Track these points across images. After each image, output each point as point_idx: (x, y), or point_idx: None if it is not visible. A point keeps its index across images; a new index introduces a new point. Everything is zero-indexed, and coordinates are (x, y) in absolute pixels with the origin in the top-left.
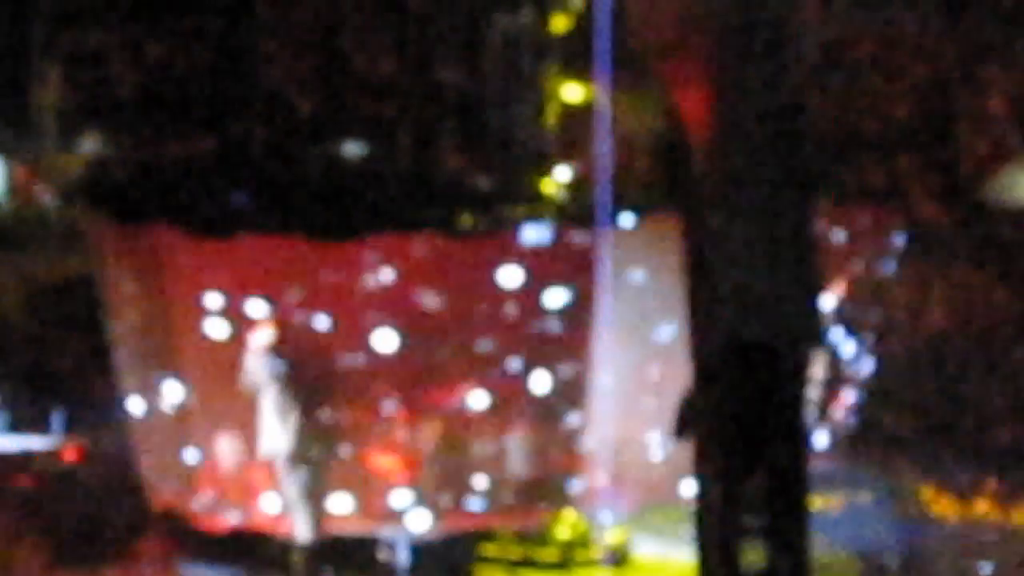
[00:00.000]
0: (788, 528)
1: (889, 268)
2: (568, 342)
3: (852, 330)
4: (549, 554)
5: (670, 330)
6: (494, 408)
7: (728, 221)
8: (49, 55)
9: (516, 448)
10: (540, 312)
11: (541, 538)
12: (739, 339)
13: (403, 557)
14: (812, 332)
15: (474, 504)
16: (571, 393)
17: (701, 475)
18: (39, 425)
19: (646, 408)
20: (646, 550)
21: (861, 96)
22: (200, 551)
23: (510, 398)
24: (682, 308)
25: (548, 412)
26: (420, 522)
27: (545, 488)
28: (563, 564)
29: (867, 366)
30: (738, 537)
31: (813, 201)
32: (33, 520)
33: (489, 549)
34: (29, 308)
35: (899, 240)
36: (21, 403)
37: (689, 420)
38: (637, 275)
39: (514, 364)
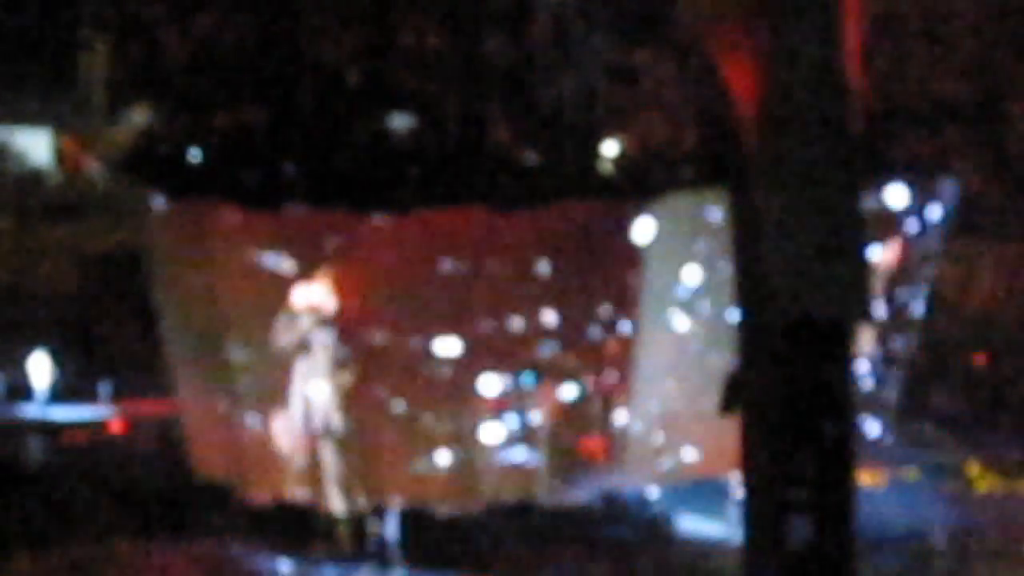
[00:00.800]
0: (835, 503)
1: (937, 243)
2: (617, 315)
3: (900, 306)
4: None
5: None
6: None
7: (776, 197)
8: (98, 28)
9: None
10: (587, 287)
11: None
12: (787, 315)
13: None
14: (860, 308)
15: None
16: (617, 367)
17: (749, 450)
18: (87, 395)
19: (690, 382)
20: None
21: (909, 70)
22: (244, 523)
23: (551, 368)
24: (730, 285)
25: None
26: None
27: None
28: None
29: (914, 341)
30: (785, 512)
31: (862, 175)
32: (80, 489)
33: None
34: (78, 279)
35: (947, 214)
36: (69, 373)
37: (737, 395)
38: (682, 249)
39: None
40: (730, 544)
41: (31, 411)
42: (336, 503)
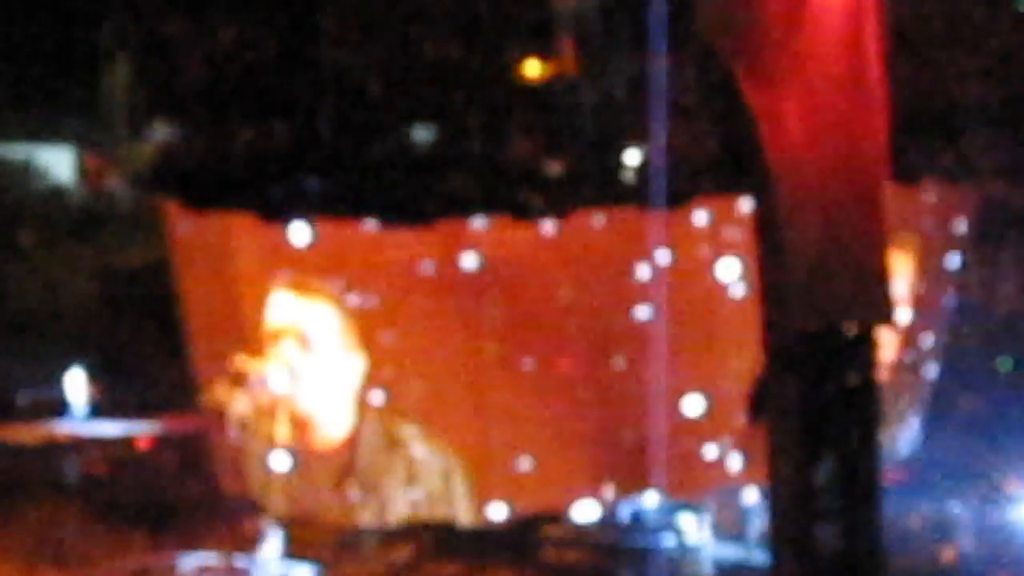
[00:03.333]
0: (861, 511)
1: (961, 249)
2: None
3: (925, 311)
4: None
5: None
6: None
7: (799, 206)
8: (119, 45)
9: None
10: (617, 292)
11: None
12: (811, 324)
13: None
14: (884, 315)
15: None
16: (638, 370)
17: (775, 458)
18: (112, 411)
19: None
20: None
21: (930, 76)
22: (267, 536)
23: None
24: (755, 294)
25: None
26: None
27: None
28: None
29: (940, 347)
30: (812, 520)
31: (885, 183)
32: (106, 502)
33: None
34: (102, 294)
35: (970, 219)
36: (95, 389)
37: (763, 404)
38: (702, 256)
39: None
40: None
41: (67, 427)
42: (363, 516)
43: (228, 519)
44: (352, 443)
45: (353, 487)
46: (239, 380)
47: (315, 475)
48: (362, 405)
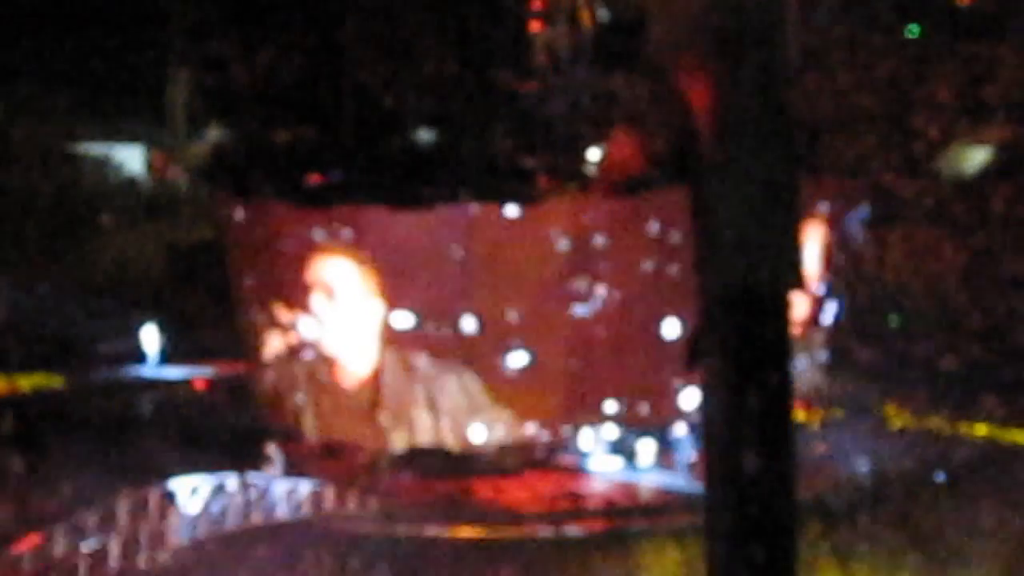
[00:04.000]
0: (778, 438)
1: (858, 227)
2: (600, 290)
3: (828, 278)
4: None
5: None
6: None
7: (727, 189)
8: (180, 62)
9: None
10: (583, 267)
11: None
12: (736, 285)
13: None
14: (795, 279)
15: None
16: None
17: (708, 397)
18: (177, 359)
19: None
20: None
21: (834, 89)
22: (304, 460)
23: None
24: (691, 260)
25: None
26: None
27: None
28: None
29: (840, 308)
30: (738, 446)
31: (797, 172)
32: (169, 432)
33: None
34: (167, 266)
35: (865, 205)
36: (163, 342)
37: (698, 352)
38: (653, 233)
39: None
40: None
41: (143, 372)
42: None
43: (265, 444)
44: (376, 377)
45: (383, 415)
46: (275, 325)
47: (348, 407)
48: (383, 344)
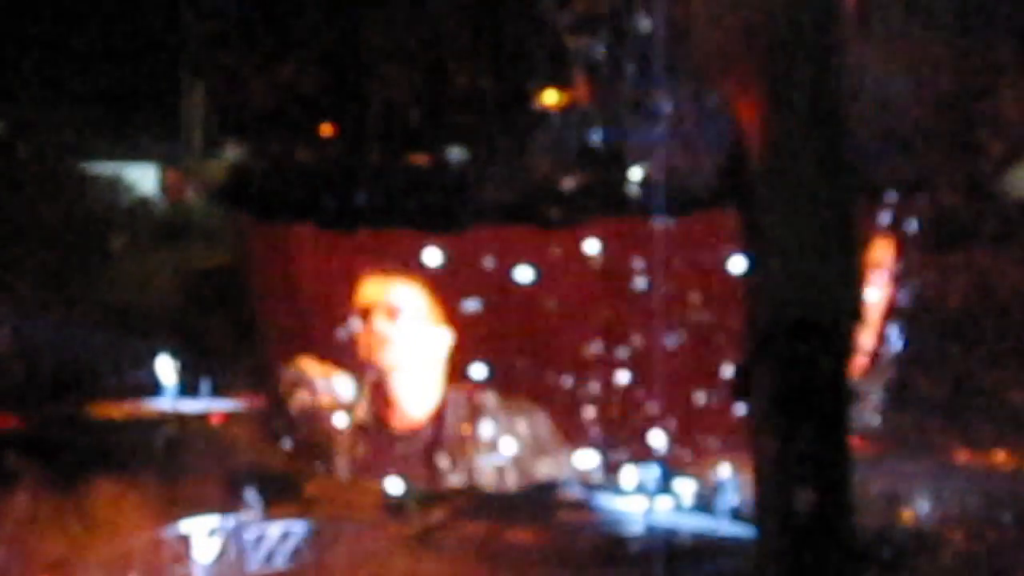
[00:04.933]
0: (834, 476)
1: (918, 252)
2: (640, 315)
3: (888, 306)
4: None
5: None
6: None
7: (780, 212)
8: (196, 76)
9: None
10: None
11: None
12: (790, 315)
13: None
14: (852, 309)
15: None
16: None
17: (758, 433)
18: (191, 391)
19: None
20: None
21: (893, 103)
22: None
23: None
24: (741, 290)
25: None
26: None
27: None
28: None
29: (901, 338)
30: (791, 486)
31: (853, 194)
32: (179, 470)
33: None
34: (182, 291)
35: (926, 227)
36: (179, 374)
37: (747, 385)
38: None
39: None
40: None
41: (152, 404)
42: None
43: (287, 483)
44: (439, 417)
45: (442, 458)
46: (303, 384)
47: (402, 450)
48: (448, 378)
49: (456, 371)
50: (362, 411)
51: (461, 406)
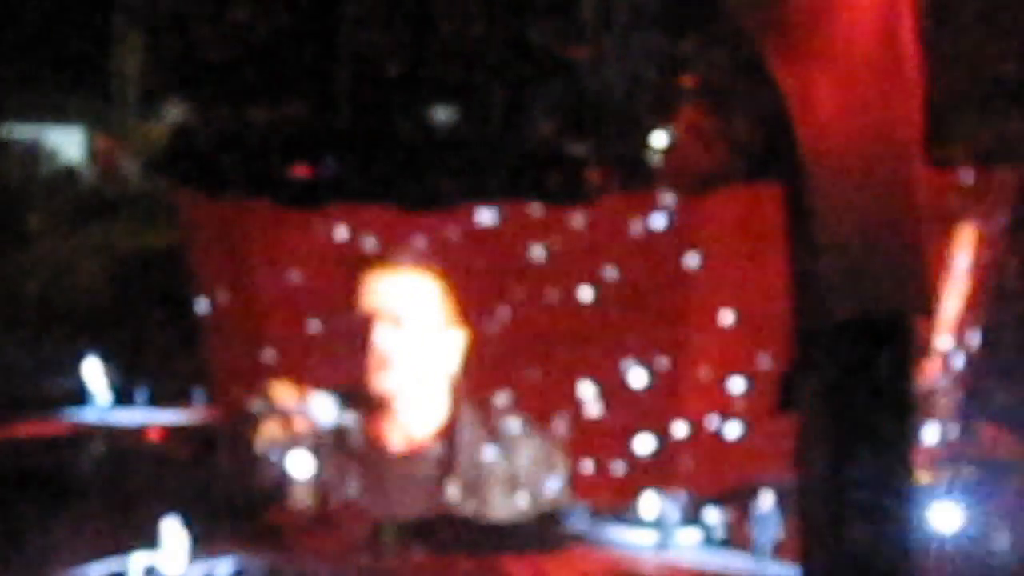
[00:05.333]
0: (893, 507)
1: (1000, 233)
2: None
3: (963, 299)
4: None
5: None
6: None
7: (833, 190)
8: (131, 22)
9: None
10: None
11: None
12: (844, 311)
13: None
14: (919, 302)
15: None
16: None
17: (804, 453)
18: (123, 401)
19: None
20: None
21: (968, 57)
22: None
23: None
24: (787, 281)
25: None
26: None
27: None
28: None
29: (977, 336)
30: (843, 518)
31: (922, 166)
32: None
33: None
34: (113, 281)
35: (1010, 203)
36: (108, 378)
37: (792, 396)
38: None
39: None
40: None
41: (76, 418)
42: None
43: (238, 515)
44: (449, 437)
45: (454, 484)
46: (274, 414)
47: (407, 473)
48: (458, 392)
49: (466, 381)
50: (352, 435)
51: (475, 423)
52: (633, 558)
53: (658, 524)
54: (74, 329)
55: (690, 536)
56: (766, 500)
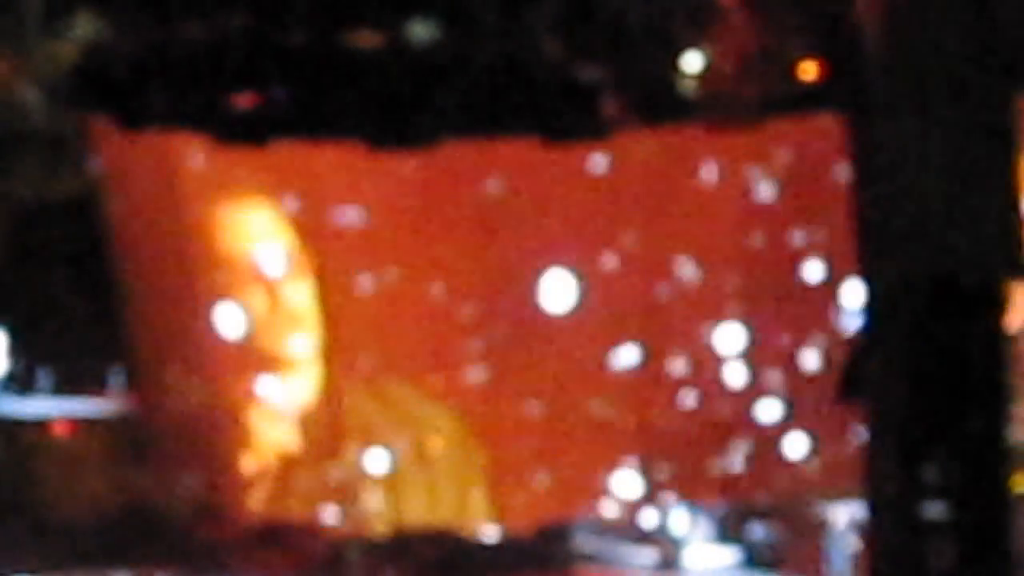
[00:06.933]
0: (982, 520)
1: None
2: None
3: None
4: None
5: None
6: None
7: (907, 126)
8: None
9: None
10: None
11: None
12: (921, 272)
13: None
14: (1012, 261)
15: None
16: None
17: (874, 451)
18: (24, 386)
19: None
20: None
21: None
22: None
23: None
24: (851, 237)
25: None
26: None
27: None
28: None
29: None
30: (920, 535)
31: (1011, 100)
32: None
33: None
34: (11, 239)
35: None
36: (7, 357)
37: (859, 381)
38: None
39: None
40: None
41: None
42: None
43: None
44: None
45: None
46: (187, 332)
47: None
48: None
49: (445, 364)
50: (307, 423)
51: (454, 415)
52: None
53: (672, 539)
54: None
55: (722, 556)
56: (840, 516)
